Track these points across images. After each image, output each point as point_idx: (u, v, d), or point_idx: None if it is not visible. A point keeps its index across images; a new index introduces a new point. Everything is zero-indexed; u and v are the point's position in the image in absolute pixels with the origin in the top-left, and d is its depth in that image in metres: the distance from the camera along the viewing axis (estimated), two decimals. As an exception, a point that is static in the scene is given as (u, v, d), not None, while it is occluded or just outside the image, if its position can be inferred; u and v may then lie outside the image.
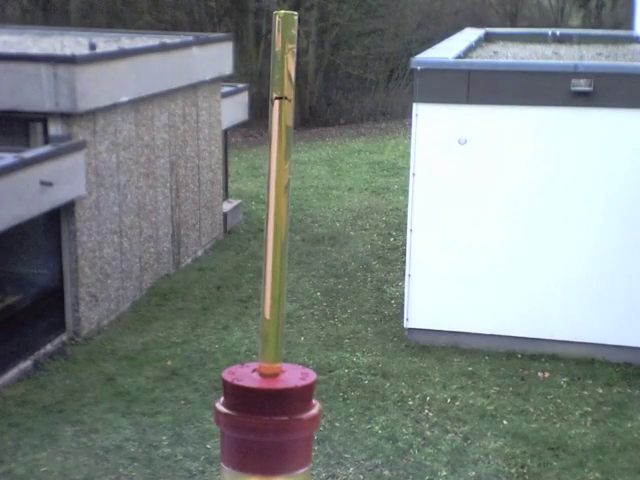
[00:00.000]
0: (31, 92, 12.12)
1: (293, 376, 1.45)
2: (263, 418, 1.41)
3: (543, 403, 11.11)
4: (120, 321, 13.61)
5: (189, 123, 16.12)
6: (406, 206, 13.44)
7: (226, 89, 18.29)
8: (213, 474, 9.37)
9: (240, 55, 26.69)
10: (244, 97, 19.43)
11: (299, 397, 1.43)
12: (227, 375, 1.46)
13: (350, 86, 32.87)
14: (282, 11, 1.41)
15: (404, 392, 11.32)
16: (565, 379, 11.75)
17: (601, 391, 11.43)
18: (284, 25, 1.40)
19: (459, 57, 12.93)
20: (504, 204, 12.16)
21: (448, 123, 12.07)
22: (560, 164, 11.90)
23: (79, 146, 12.38)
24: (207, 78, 16.49)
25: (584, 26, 34.73)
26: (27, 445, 9.90)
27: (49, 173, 11.59)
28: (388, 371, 11.89)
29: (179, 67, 15.41)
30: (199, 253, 16.80)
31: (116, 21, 30.34)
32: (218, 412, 1.45)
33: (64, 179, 11.99)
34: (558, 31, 17.94)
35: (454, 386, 11.52)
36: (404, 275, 12.90)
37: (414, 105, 12.17)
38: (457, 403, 11.07)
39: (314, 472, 9.23)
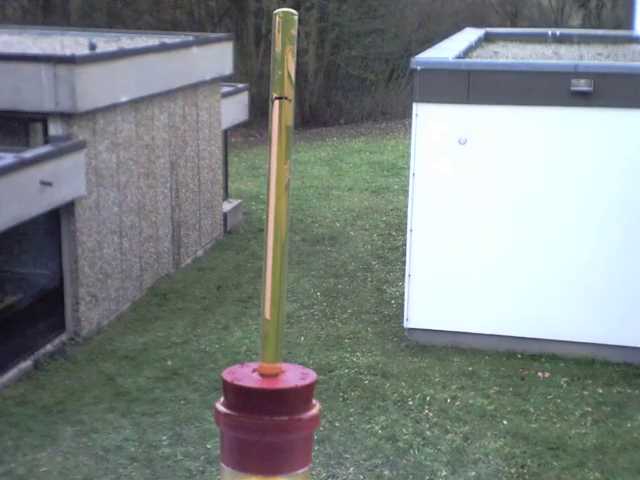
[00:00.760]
0: (31, 92, 12.12)
1: (293, 376, 1.45)
2: (263, 418, 1.41)
3: (543, 403, 11.11)
4: (120, 321, 13.61)
5: (189, 123, 16.12)
6: (406, 206, 13.44)
7: (226, 89, 18.29)
8: (213, 474, 9.37)
9: (240, 55, 26.70)
10: (244, 97, 19.43)
11: (299, 397, 1.43)
12: (227, 375, 1.46)
13: (350, 86, 32.87)
14: (282, 9, 1.41)
15: (404, 392, 11.32)
16: (565, 379, 11.75)
17: (601, 391, 11.43)
18: (284, 25, 1.40)
19: (459, 57, 12.94)
20: (504, 204, 12.16)
21: (448, 123, 12.07)
22: (560, 164, 11.90)
23: (79, 146, 12.38)
24: (207, 78, 16.49)
25: (584, 26, 34.73)
26: (27, 445, 9.90)
27: (49, 173, 11.59)
28: (388, 371, 11.89)
29: (179, 67, 15.41)
30: (199, 253, 16.80)
31: (116, 21, 30.35)
32: (218, 412, 1.45)
33: (64, 179, 11.99)
34: (558, 31, 17.95)
35: (454, 386, 11.52)
36: (404, 275, 12.90)
37: (414, 105, 12.17)
38: (457, 403, 11.07)
39: (314, 472, 9.23)
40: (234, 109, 18.73)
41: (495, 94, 11.93)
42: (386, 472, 9.56)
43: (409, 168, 12.58)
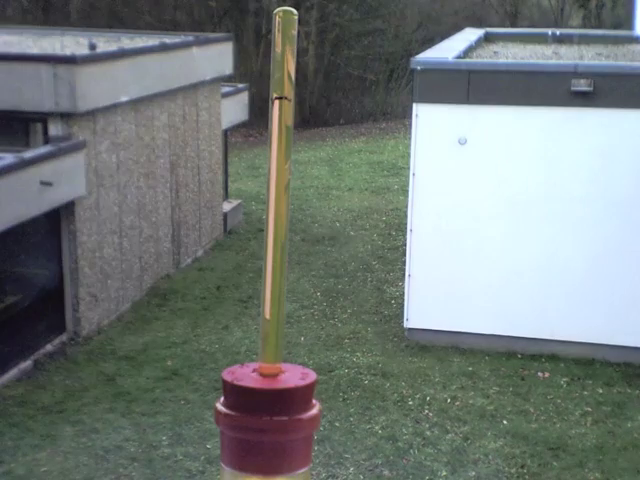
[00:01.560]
0: (31, 92, 12.11)
1: (293, 376, 1.45)
2: (263, 418, 1.40)
3: (543, 403, 11.11)
4: (120, 321, 13.61)
5: (189, 123, 16.12)
6: (406, 206, 13.44)
7: (226, 89, 18.29)
8: (213, 474, 9.37)
9: (240, 55, 26.68)
10: (244, 97, 19.43)
11: (299, 397, 1.43)
12: (227, 375, 1.45)
13: (350, 86, 32.88)
14: (282, 8, 1.41)
15: (404, 392, 11.32)
16: (565, 379, 11.75)
17: (601, 391, 11.43)
18: (284, 25, 1.40)
19: (459, 57, 12.94)
20: (504, 204, 12.16)
21: (448, 123, 12.07)
22: (560, 164, 11.90)
23: (79, 146, 12.38)
24: (207, 78, 16.49)
25: (584, 26, 34.72)
26: (27, 445, 9.90)
27: (49, 173, 11.59)
28: (388, 371, 11.89)
29: (179, 67, 15.41)
30: (199, 253, 16.80)
31: (116, 21, 30.34)
32: (218, 412, 1.45)
33: (64, 179, 11.98)
34: (558, 31, 17.95)
35: (454, 386, 11.52)
36: (404, 275, 12.90)
37: (414, 105, 12.17)
38: (457, 403, 11.07)
39: (314, 472, 9.23)
40: (234, 109, 18.73)
41: (495, 94, 11.93)
42: (386, 472, 9.56)
43: (409, 168, 12.58)
